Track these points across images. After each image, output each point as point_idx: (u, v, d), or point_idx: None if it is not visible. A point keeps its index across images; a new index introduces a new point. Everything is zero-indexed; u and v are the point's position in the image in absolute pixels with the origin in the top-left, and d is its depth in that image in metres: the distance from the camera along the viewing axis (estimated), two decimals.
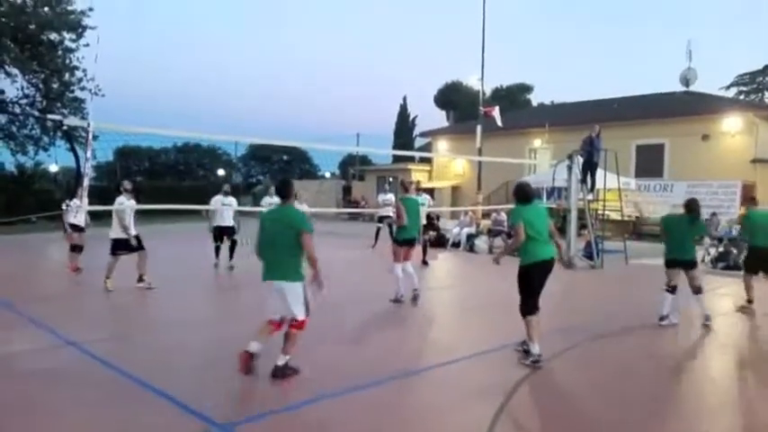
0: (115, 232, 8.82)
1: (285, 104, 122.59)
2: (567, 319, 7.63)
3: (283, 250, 4.73)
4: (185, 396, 4.36)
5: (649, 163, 22.18)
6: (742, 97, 39.18)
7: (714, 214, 15.29)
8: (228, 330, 6.82)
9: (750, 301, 8.19)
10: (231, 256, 11.02)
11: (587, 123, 15.70)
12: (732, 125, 20.58)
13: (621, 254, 13.66)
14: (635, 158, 22.49)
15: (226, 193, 11.01)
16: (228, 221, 10.95)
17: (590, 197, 13.64)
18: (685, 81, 26.19)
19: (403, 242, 8.25)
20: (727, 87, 41.75)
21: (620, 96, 27.07)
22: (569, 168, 12.67)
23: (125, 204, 8.58)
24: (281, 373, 4.74)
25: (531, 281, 5.51)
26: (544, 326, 7.15)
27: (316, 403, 4.39)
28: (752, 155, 20.09)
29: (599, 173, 13.83)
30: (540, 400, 4.66)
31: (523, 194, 5.72)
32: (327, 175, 47.50)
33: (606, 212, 15.45)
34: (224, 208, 10.84)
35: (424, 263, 12.22)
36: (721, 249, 13.09)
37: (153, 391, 4.53)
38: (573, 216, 12.67)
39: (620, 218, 15.79)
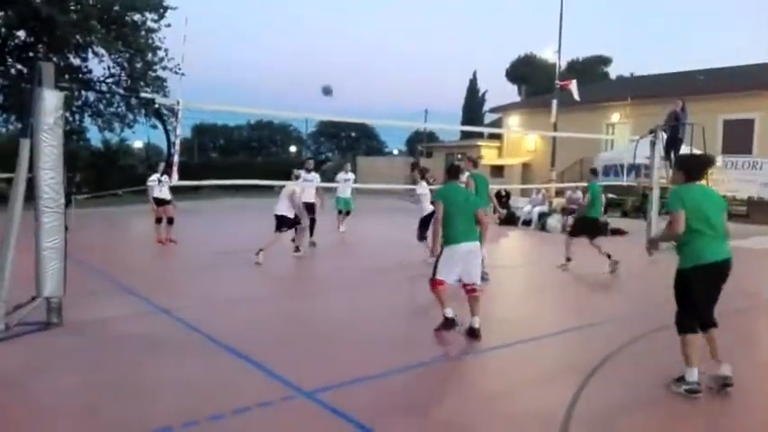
0: (281, 209, 9.40)
1: (354, 81, 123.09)
2: (649, 302, 7.38)
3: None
4: (272, 363, 4.56)
5: (737, 139, 20.80)
6: None
7: None
8: (313, 303, 7.05)
9: None
10: (311, 233, 11.16)
11: (670, 97, 14.91)
12: None
13: None
14: (722, 134, 21.15)
15: (308, 170, 10.94)
16: (310, 198, 10.82)
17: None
18: None
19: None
20: None
21: (707, 68, 25.45)
22: (652, 144, 12.08)
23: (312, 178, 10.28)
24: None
25: (694, 290, 4.24)
26: (627, 309, 6.99)
27: (398, 373, 4.50)
28: None
29: (683, 149, 13.13)
30: (619, 384, 4.55)
31: (695, 166, 4.43)
32: (395, 152, 47.57)
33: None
34: (306, 184, 10.77)
35: None
36: None
37: (241, 357, 4.76)
38: (655, 195, 12.12)
39: None
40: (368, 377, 4.37)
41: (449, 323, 5.41)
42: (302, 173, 10.60)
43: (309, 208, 10.70)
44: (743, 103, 20.69)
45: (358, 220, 14.46)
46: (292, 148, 47.71)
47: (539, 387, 4.40)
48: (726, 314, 6.74)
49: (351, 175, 14.41)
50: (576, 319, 6.44)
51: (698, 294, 4.22)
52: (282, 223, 9.40)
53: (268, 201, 11.00)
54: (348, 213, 13.74)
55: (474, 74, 46.83)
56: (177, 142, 6.57)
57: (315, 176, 11.16)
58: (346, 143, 53.17)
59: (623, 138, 20.64)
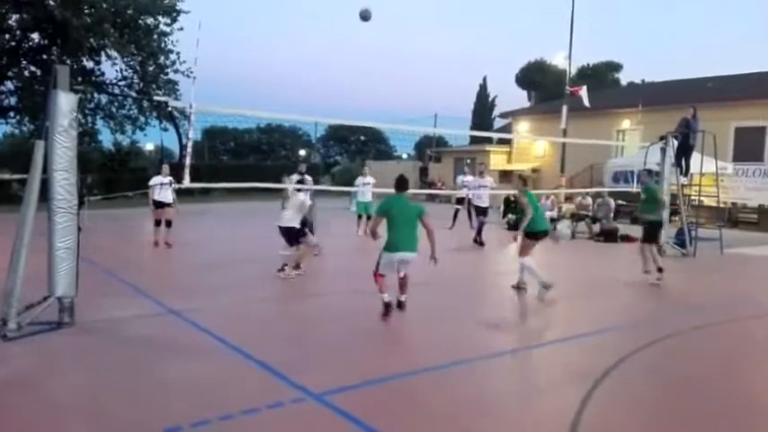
0: (287, 221, 8.42)
1: (363, 86, 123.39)
2: (657, 308, 7.35)
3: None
4: (283, 365, 4.58)
5: (749, 146, 20.64)
6: None
7: None
8: (323, 305, 7.07)
9: None
10: (312, 233, 11.21)
11: (681, 104, 14.84)
12: None
13: (716, 242, 12.89)
14: (733, 141, 21.01)
15: (300, 173, 10.95)
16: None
17: (684, 181, 12.93)
18: None
19: (534, 234, 7.84)
20: None
21: (719, 75, 25.31)
22: (663, 151, 12.04)
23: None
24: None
25: None
26: (631, 314, 6.97)
27: (410, 376, 4.52)
28: None
29: (694, 156, 13.08)
30: (628, 389, 4.54)
31: None
32: (405, 156, 47.55)
33: (700, 198, 14.60)
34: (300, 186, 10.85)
35: (480, 243, 12.11)
36: None
37: (250, 359, 4.79)
38: (666, 202, 12.06)
39: (715, 204, 14.89)
40: (379, 380, 4.38)
41: (386, 306, 6.07)
42: (295, 177, 10.42)
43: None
44: (755, 111, 20.54)
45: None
46: (302, 152, 47.91)
47: (549, 392, 4.40)
48: (739, 320, 6.73)
49: (370, 179, 14.39)
50: (586, 325, 6.41)
51: None
52: (292, 236, 8.57)
53: (278, 204, 11.03)
54: (369, 218, 13.77)
55: (484, 79, 46.82)
56: (189, 145, 6.63)
57: (308, 180, 11.23)
58: (356, 147, 53.30)
59: (633, 144, 20.56)
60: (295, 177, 10.17)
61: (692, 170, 13.33)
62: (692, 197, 14.35)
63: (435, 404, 4.11)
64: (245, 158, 44.41)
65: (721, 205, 17.61)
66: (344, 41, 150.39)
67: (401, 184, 6.34)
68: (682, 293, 8.37)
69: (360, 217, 13.74)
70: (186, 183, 6.91)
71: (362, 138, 53.20)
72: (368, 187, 13.82)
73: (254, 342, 5.21)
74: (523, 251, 7.81)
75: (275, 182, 10.65)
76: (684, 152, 12.76)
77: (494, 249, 12.40)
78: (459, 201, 15.33)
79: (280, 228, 8.50)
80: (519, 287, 7.93)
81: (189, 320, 5.95)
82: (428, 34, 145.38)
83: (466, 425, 3.74)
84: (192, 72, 22.99)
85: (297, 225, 8.49)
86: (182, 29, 24.27)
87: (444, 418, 3.90)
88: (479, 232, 12.44)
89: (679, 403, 4.25)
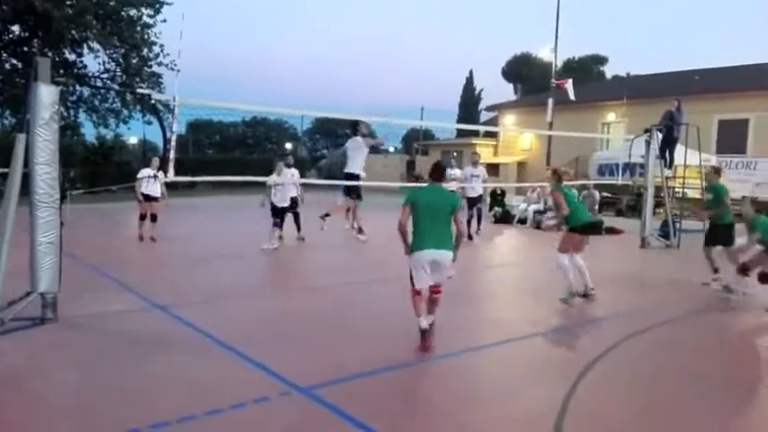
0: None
1: (349, 79, 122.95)
2: (640, 300, 7.43)
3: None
4: (269, 359, 4.56)
5: (732, 139, 20.91)
6: None
7: None
8: (309, 298, 7.06)
9: None
10: (299, 228, 11.20)
11: (665, 96, 14.96)
12: None
13: (700, 234, 13.02)
14: (717, 134, 21.24)
15: (288, 165, 11.00)
16: (291, 193, 10.88)
17: (668, 173, 13.06)
18: None
19: (579, 229, 7.03)
20: None
21: (703, 68, 25.55)
22: (647, 143, 12.14)
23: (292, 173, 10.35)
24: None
25: None
26: (615, 306, 7.04)
27: (397, 370, 4.53)
28: None
29: (678, 148, 13.21)
30: (610, 382, 4.58)
31: None
32: (392, 149, 47.51)
33: (684, 190, 14.75)
34: (286, 179, 10.82)
35: (470, 238, 12.08)
36: None
37: (236, 353, 4.76)
38: (650, 193, 12.19)
39: (699, 196, 15.04)
40: (366, 373, 4.39)
41: (423, 334, 5.04)
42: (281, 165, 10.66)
43: (291, 202, 10.77)
44: (738, 104, 20.80)
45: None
46: (288, 145, 47.62)
47: (534, 384, 4.43)
48: (719, 311, 6.82)
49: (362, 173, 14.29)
50: (571, 317, 6.47)
51: None
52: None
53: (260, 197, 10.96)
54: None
55: (470, 72, 46.88)
56: (173, 138, 6.56)
57: (294, 172, 11.20)
58: (342, 141, 53.09)
59: (618, 137, 20.72)
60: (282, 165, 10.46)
61: (676, 162, 13.45)
62: (677, 189, 14.48)
63: (422, 397, 4.13)
64: (231, 152, 44.02)
65: (704, 197, 17.79)
66: (331, 33, 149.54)
67: (435, 172, 5.37)
68: (665, 284, 8.45)
69: (348, 210, 13.70)
70: (171, 176, 6.85)
71: (348, 131, 52.97)
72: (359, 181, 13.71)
73: (240, 337, 5.18)
74: (563, 245, 7.02)
75: (261, 175, 10.66)
76: (668, 144, 12.88)
77: (483, 243, 12.43)
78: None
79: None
80: (572, 296, 6.87)
81: (174, 316, 5.91)
82: (415, 27, 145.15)
83: (453, 415, 3.76)
84: (176, 65, 22.75)
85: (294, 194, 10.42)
86: (165, 21, 23.99)
87: (431, 409, 3.91)
88: (470, 223, 12.35)
89: (666, 392, 4.30)
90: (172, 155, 6.51)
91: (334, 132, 52.72)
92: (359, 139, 9.64)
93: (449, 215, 5.11)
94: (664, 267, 10.01)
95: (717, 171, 8.94)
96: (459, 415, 3.78)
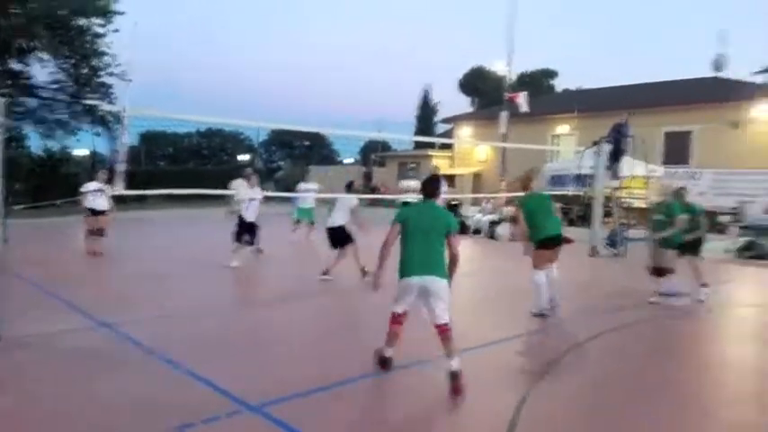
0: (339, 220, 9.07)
1: (307, 90, 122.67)
2: (589, 307, 7.61)
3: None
4: (218, 377, 4.48)
5: (677, 150, 21.82)
6: None
7: (742, 203, 15.04)
8: (259, 314, 6.96)
9: None
10: (253, 241, 11.03)
11: (614, 109, 15.50)
12: (763, 112, 20.10)
13: (646, 242, 13.48)
14: (663, 145, 22.11)
15: (247, 177, 10.85)
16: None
17: (615, 184, 13.50)
18: (717, 66, 25.61)
19: (543, 243, 6.84)
20: (760, 73, 40.63)
21: (649, 82, 26.59)
22: (596, 155, 12.54)
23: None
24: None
25: None
26: (566, 314, 7.18)
27: (348, 385, 4.50)
28: None
29: (626, 160, 13.67)
30: (562, 389, 4.68)
31: None
32: (349, 161, 47.58)
33: (630, 200, 15.27)
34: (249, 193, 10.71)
35: None
36: (749, 239, 12.89)
37: (186, 372, 4.65)
38: (598, 204, 12.56)
39: (645, 206, 15.58)
40: (317, 389, 4.35)
41: (383, 360, 4.73)
42: (242, 181, 10.52)
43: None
44: (682, 117, 21.71)
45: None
46: (243, 156, 47.07)
47: (487, 392, 4.48)
48: (663, 316, 7.06)
49: (313, 185, 14.29)
50: (524, 326, 6.57)
51: None
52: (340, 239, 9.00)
53: (217, 211, 10.81)
54: (312, 224, 13.61)
55: (427, 85, 47.57)
56: (122, 150, 6.41)
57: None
58: (299, 152, 52.83)
59: (569, 149, 21.30)
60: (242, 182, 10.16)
61: (623, 173, 13.92)
62: (623, 199, 14.96)
63: (376, 410, 4.12)
64: (184, 163, 43.18)
65: (650, 206, 18.42)
66: (290, 43, 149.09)
67: (429, 186, 4.73)
68: (614, 292, 8.70)
69: (297, 222, 13.65)
70: (120, 190, 6.68)
71: (306, 143, 52.83)
72: (310, 193, 13.73)
73: (189, 354, 5.07)
74: (535, 262, 6.82)
75: (216, 187, 10.53)
76: (616, 156, 13.31)
77: None
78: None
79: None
80: (542, 314, 6.80)
81: (122, 334, 5.74)
82: (373, 39, 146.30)
83: (407, 428, 3.76)
84: (126, 75, 22.30)
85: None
86: (117, 30, 23.49)
87: (384, 423, 3.91)
88: None
89: (615, 398, 4.42)
90: (121, 167, 6.35)
91: (290, 144, 52.49)
92: (354, 199, 9.39)
93: (443, 237, 4.48)
94: (612, 275, 10.31)
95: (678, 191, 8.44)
96: (414, 428, 3.80)
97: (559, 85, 46.83)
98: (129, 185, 6.97)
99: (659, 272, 7.76)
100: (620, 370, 5.15)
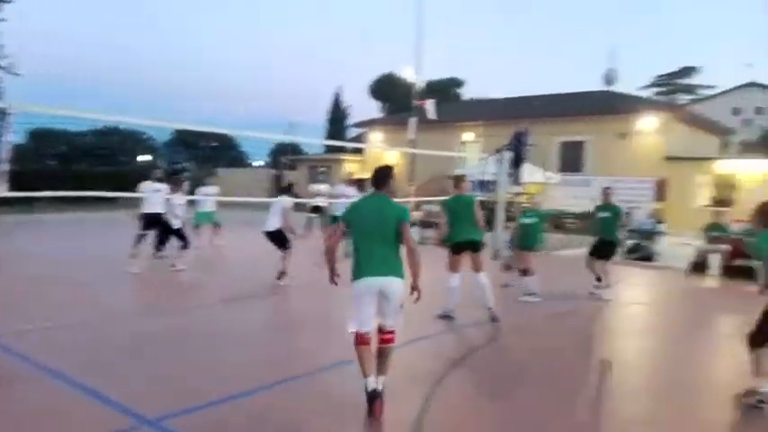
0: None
1: (212, 89, 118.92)
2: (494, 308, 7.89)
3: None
4: (114, 390, 4.22)
5: (572, 159, 23.22)
6: (659, 98, 41.60)
7: (630, 209, 16.22)
8: (156, 323, 6.64)
9: None
10: (160, 247, 10.54)
11: (515, 119, 16.23)
12: (647, 124, 21.82)
13: (509, 245, 14.23)
14: (559, 154, 23.47)
15: (158, 179, 10.49)
16: (156, 208, 10.34)
17: (517, 190, 14.14)
18: (608, 81, 27.53)
19: (456, 247, 6.92)
20: (646, 87, 44.33)
21: (548, 93, 28.08)
22: (498, 162, 13.07)
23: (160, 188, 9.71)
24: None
25: None
26: (463, 316, 7.35)
27: (252, 394, 4.38)
28: (665, 152, 21.40)
29: (526, 167, 14.34)
30: (465, 391, 4.82)
31: None
32: (259, 163, 46.65)
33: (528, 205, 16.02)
34: (154, 194, 10.32)
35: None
36: (636, 241, 13.91)
37: (78, 385, 4.35)
38: (501, 208, 13.09)
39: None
40: (220, 400, 4.20)
41: (370, 396, 3.99)
42: (149, 183, 10.19)
43: (156, 219, 10.22)
44: (576, 127, 23.11)
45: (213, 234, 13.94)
46: (145, 157, 44.76)
47: (390, 398, 4.51)
48: (561, 315, 7.44)
49: (212, 189, 13.94)
50: (429, 328, 6.69)
51: None
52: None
53: (113, 215, 10.20)
54: (218, 226, 13.43)
55: (338, 88, 47.58)
56: (5, 149, 5.88)
57: (164, 187, 10.63)
58: (206, 153, 51.01)
59: (475, 156, 22.08)
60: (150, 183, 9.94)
61: (523, 180, 14.61)
62: (524, 205, 15.69)
63: (278, 419, 4.03)
64: (78, 163, 40.22)
65: (548, 211, 19.46)
66: (203, 42, 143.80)
67: (379, 177, 4.37)
68: (517, 292, 9.07)
69: (197, 227, 13.28)
70: (3, 191, 6.13)
71: (213, 144, 51.14)
72: (210, 197, 13.48)
73: (81, 367, 4.74)
74: (448, 264, 6.94)
75: (115, 189, 10.01)
76: (517, 164, 13.96)
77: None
78: (315, 209, 15.31)
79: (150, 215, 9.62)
80: (447, 315, 6.90)
81: (3, 346, 5.26)
82: (285, 41, 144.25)
83: None
84: (13, 68, 20.65)
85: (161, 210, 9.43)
86: (4, 20, 21.64)
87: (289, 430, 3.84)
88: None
89: (520, 396, 4.60)
90: (4, 166, 5.83)
91: (195, 145, 50.59)
92: (289, 201, 9.22)
93: (395, 231, 4.03)
94: (512, 277, 10.75)
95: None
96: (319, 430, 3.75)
97: (466, 93, 48.46)
98: (18, 186, 6.47)
99: (525, 272, 8.48)
100: (524, 368, 5.38)
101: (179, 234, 10.12)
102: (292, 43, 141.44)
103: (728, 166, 20.66)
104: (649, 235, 13.99)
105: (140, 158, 44.36)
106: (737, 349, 6.19)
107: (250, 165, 46.70)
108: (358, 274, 4.00)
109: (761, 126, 32.87)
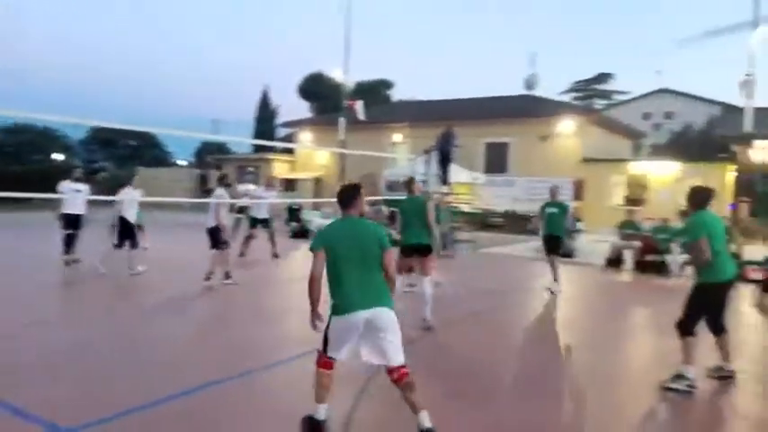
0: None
1: (131, 85, 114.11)
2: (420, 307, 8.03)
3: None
4: (25, 401, 3.97)
5: (496, 160, 23.97)
6: (577, 102, 43.61)
7: None
8: (73, 331, 6.31)
9: None
10: (71, 248, 9.99)
11: (442, 121, 16.54)
12: (566, 127, 22.86)
13: (471, 243, 14.63)
14: (485, 155, 24.16)
15: (76, 179, 10.05)
16: (76, 209, 9.86)
17: (445, 190, 14.44)
18: (529, 85, 28.60)
19: (403, 250, 6.78)
20: (565, 92, 46.37)
21: (472, 97, 28.83)
22: (426, 163, 13.31)
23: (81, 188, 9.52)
24: None
25: (712, 301, 4.82)
26: (396, 314, 7.49)
27: (175, 399, 4.24)
28: (582, 154, 22.49)
29: (453, 167, 14.69)
30: (390, 392, 4.86)
31: (702, 199, 4.84)
32: (183, 162, 45.15)
33: (458, 204, 16.46)
34: (75, 195, 9.85)
35: (275, 256, 12.21)
36: None
37: None
38: (430, 207, 13.31)
39: (470, 210, 16.89)
40: (139, 407, 4.04)
41: (314, 426, 3.68)
42: (68, 183, 9.78)
43: (75, 220, 9.75)
44: (500, 129, 23.88)
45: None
46: (58, 156, 42.23)
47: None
48: (490, 311, 7.67)
49: (136, 192, 13.37)
50: None
51: (715, 305, 4.86)
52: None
53: (22, 216, 9.59)
54: (140, 227, 12.88)
55: (266, 86, 46.76)
56: None
57: (84, 188, 10.15)
58: (125, 152, 48.75)
59: (404, 156, 22.34)
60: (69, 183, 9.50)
61: (451, 180, 14.95)
62: (452, 204, 16.06)
63: (206, 425, 3.93)
64: None
65: (475, 211, 20.05)
66: (124, 35, 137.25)
67: (343, 196, 3.85)
68: (445, 290, 9.27)
69: (114, 227, 12.77)
70: None
71: (133, 142, 48.96)
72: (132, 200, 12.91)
73: None
74: (397, 268, 6.84)
75: (26, 189, 9.40)
76: (444, 164, 14.28)
77: (282, 259, 12.38)
78: (242, 210, 15.00)
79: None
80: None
81: None
82: (211, 37, 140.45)
83: None
84: None
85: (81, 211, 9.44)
86: None
87: None
88: (273, 243, 12.38)
89: (444, 389, 4.70)
90: None
91: (113, 143, 48.29)
92: (224, 195, 8.98)
93: (378, 257, 3.68)
94: (444, 274, 10.97)
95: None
96: None
97: (395, 95, 48.89)
98: None
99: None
100: (446, 366, 5.49)
101: (131, 235, 9.92)
102: (221, 38, 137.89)
103: (640, 168, 21.99)
104: (568, 233, 14.67)
105: (54, 157, 41.86)
106: (651, 338, 6.59)
107: (175, 164, 45.07)
108: (340, 308, 3.57)
109: (669, 130, 35.10)
